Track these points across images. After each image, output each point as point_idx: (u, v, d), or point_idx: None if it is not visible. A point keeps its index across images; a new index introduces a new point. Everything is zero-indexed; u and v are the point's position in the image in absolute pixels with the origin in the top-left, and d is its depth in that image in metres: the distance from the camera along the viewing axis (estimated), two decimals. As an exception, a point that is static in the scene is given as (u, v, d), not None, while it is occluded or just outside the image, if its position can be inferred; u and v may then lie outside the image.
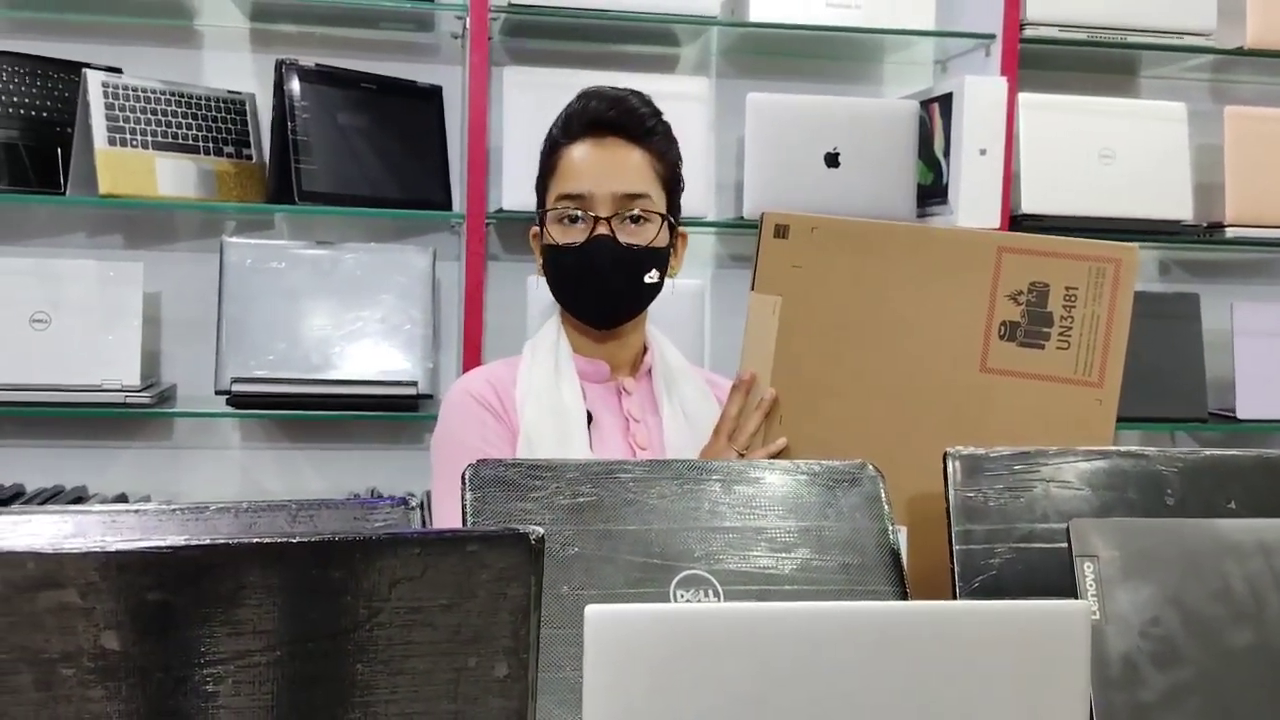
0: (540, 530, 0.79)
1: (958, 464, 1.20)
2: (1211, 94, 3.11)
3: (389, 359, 2.60)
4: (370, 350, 2.59)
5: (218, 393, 2.53)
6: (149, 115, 2.51)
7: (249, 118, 2.69)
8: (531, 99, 2.53)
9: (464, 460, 1.18)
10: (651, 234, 1.69)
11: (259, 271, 2.57)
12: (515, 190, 2.55)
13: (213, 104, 2.63)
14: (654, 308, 1.76)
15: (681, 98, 2.48)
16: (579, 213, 1.68)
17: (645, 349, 1.80)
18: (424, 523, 2.12)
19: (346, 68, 2.67)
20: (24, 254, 2.65)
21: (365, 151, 2.64)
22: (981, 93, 2.64)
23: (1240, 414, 2.85)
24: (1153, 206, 2.79)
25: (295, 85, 2.56)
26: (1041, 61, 2.86)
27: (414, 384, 2.59)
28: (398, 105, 2.72)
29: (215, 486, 2.75)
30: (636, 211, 1.68)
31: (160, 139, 2.53)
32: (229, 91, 2.67)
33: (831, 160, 2.63)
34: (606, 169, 1.68)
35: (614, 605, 0.80)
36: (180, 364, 2.73)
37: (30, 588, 0.71)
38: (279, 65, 2.57)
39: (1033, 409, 1.47)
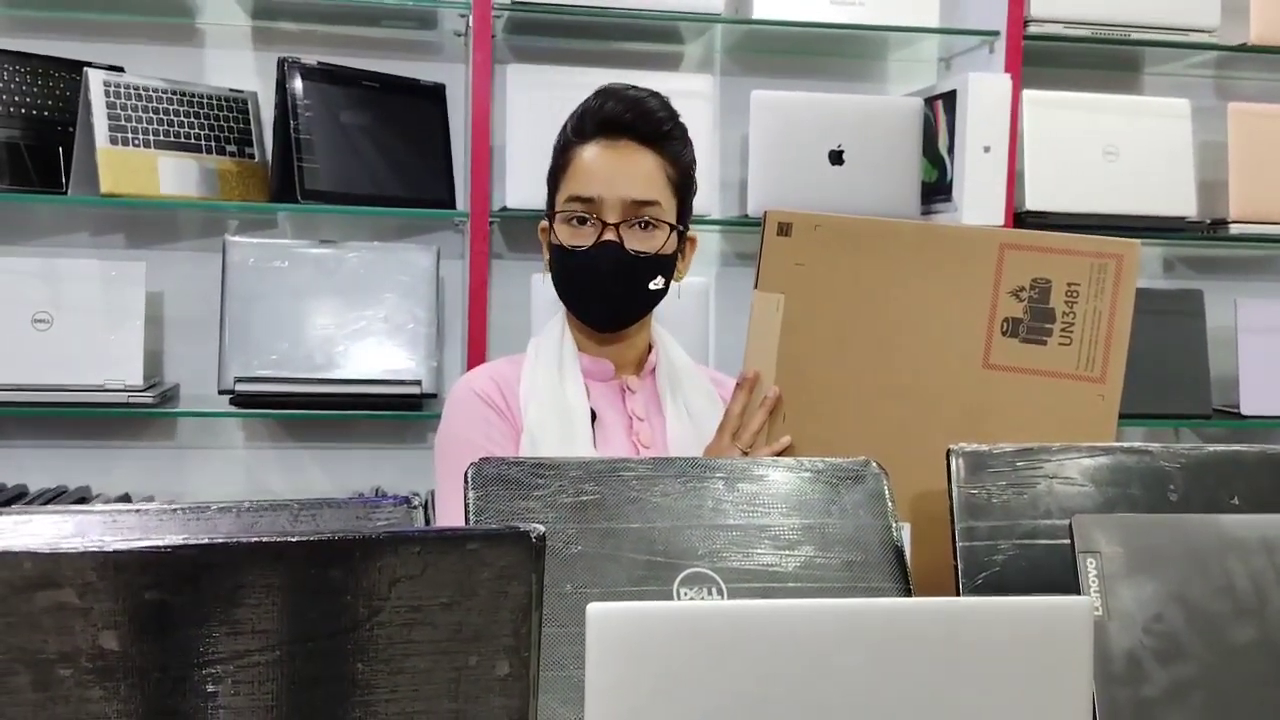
0: (541, 528, 0.79)
1: (961, 460, 1.20)
2: (1215, 90, 3.10)
3: (393, 358, 2.60)
4: (374, 349, 2.59)
5: (221, 392, 2.53)
6: (151, 114, 2.50)
7: (251, 116, 2.68)
8: (535, 97, 2.54)
9: (467, 458, 1.18)
10: (659, 241, 1.68)
11: (262, 271, 2.57)
12: (519, 188, 2.56)
13: (215, 103, 2.62)
14: (659, 306, 1.76)
15: (685, 95, 2.45)
16: (587, 216, 1.67)
17: (650, 348, 1.80)
18: (427, 521, 2.11)
19: (349, 66, 2.67)
20: (26, 254, 2.64)
21: (368, 150, 2.63)
22: (985, 90, 2.64)
23: (1244, 410, 2.85)
24: (1157, 203, 2.79)
25: (298, 84, 2.56)
26: (1045, 58, 2.85)
27: (418, 383, 2.59)
28: (401, 103, 2.71)
29: (219, 486, 2.75)
30: (645, 218, 1.67)
31: (162, 138, 2.52)
32: (231, 90, 2.67)
33: (836, 158, 2.63)
34: (617, 173, 1.67)
35: (617, 603, 0.80)
36: (183, 364, 2.73)
37: (27, 588, 0.71)
38: (281, 63, 2.56)
39: (1035, 405, 1.47)
